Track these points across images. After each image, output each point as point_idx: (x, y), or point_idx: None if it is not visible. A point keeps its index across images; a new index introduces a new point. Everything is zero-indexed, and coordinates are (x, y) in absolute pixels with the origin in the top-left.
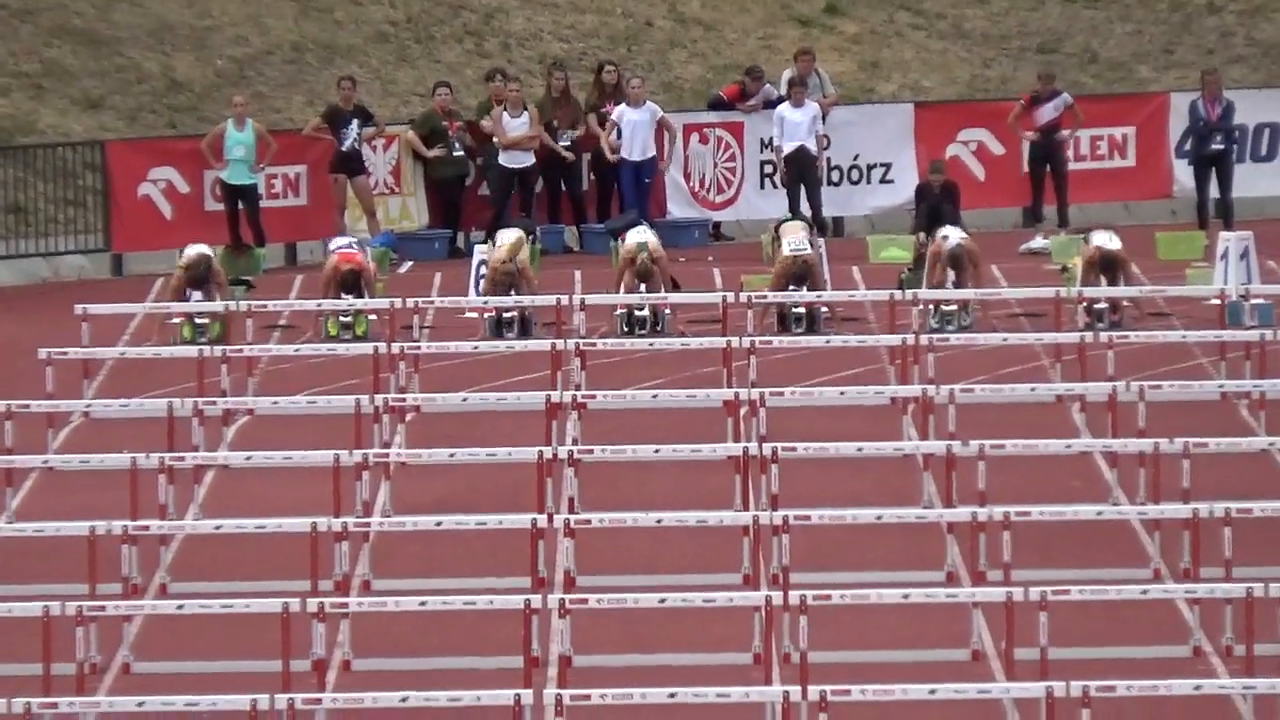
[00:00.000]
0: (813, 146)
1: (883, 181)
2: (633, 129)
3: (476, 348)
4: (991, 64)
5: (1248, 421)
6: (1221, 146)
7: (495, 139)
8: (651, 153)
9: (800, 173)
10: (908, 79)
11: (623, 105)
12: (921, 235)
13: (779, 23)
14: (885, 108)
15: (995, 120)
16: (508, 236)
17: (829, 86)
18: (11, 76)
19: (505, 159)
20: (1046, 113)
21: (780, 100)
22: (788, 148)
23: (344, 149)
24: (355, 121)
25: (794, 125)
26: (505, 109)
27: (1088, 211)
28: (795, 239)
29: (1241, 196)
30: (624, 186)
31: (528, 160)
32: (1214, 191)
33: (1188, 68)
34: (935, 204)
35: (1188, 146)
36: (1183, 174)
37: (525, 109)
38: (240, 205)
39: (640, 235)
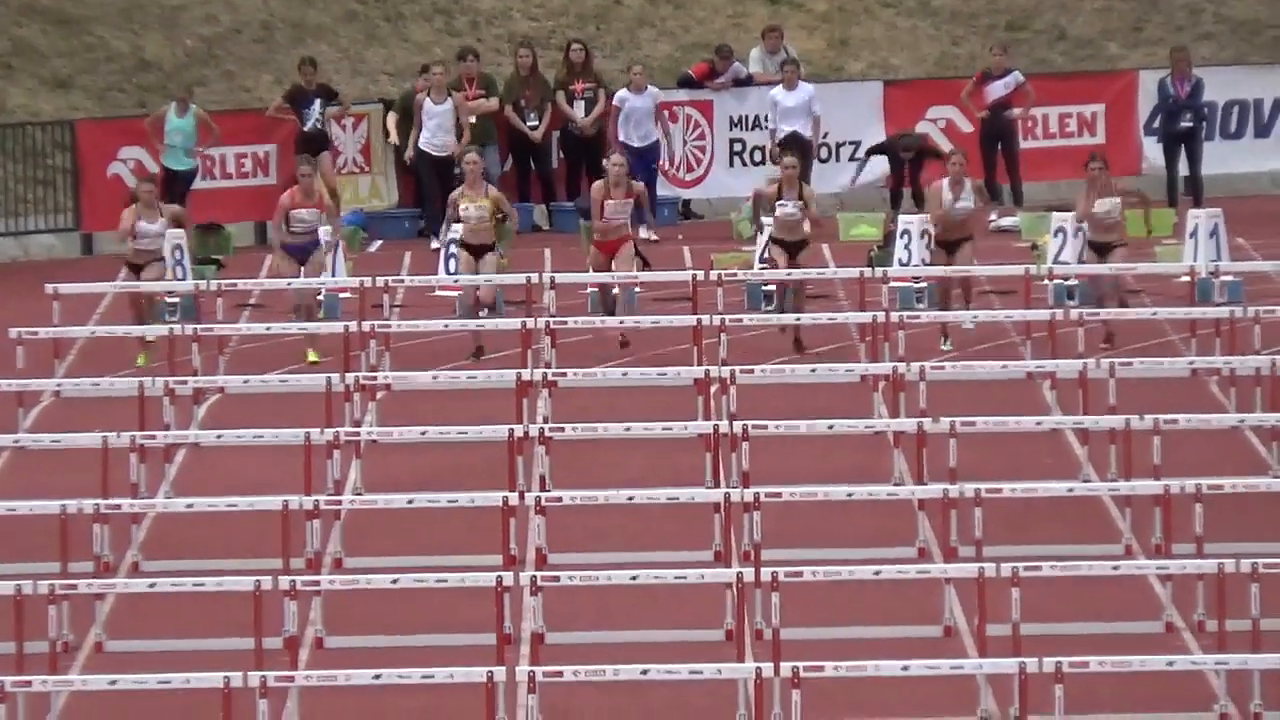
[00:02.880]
0: (807, 131)
1: (852, 159)
2: (635, 115)
3: (447, 326)
4: (960, 42)
5: (1218, 398)
6: (1191, 124)
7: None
8: (654, 138)
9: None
10: (876, 57)
11: (625, 91)
12: (890, 210)
13: (748, 0)
14: (854, 85)
15: (957, 95)
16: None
17: (798, 65)
18: None
19: (425, 143)
20: (996, 89)
21: (749, 79)
22: (782, 132)
23: (306, 129)
24: (318, 101)
25: (787, 110)
26: (430, 95)
27: (1058, 189)
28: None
29: (1211, 174)
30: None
31: (449, 146)
32: (1183, 169)
33: (1156, 45)
34: (909, 165)
35: (1157, 124)
36: (1151, 151)
37: (449, 95)
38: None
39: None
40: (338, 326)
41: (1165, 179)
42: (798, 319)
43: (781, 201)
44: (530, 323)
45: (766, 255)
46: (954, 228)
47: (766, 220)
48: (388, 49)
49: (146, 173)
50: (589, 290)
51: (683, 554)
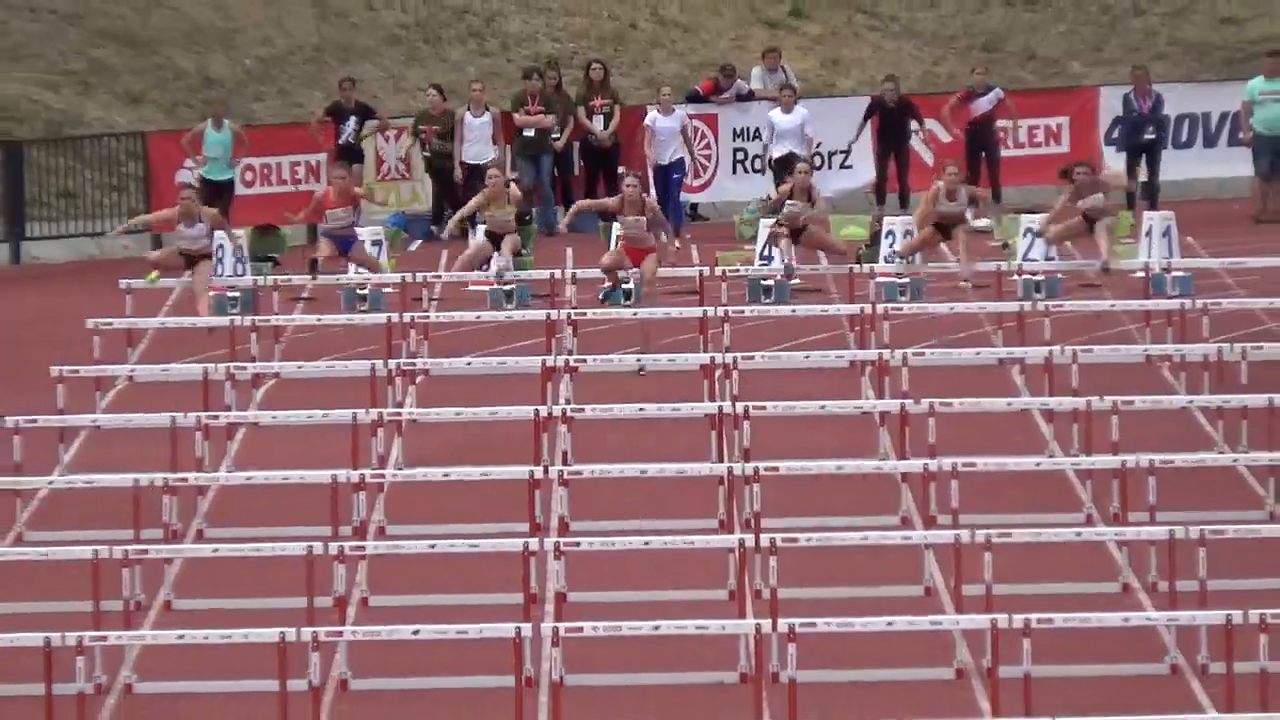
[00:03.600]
0: (801, 151)
1: (842, 167)
2: (663, 134)
3: (479, 317)
4: (940, 62)
5: (1169, 381)
6: (1153, 137)
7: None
8: (680, 155)
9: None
10: (865, 75)
11: (654, 112)
12: (877, 211)
13: (749, 25)
14: (844, 101)
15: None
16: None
17: (793, 81)
18: (62, 75)
19: (468, 155)
20: (981, 105)
21: (750, 95)
22: (777, 152)
23: (340, 142)
24: (354, 118)
25: (783, 131)
26: (469, 108)
27: (1027, 193)
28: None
29: (1166, 180)
30: (656, 186)
31: (486, 155)
32: (1143, 175)
33: (1116, 64)
34: (893, 119)
35: (1115, 134)
36: (1111, 159)
37: (486, 110)
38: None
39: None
40: (381, 318)
41: (1137, 184)
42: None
43: (791, 201)
44: (554, 314)
45: (767, 248)
46: (947, 218)
47: (766, 221)
48: (427, 69)
49: (200, 180)
50: (601, 288)
51: (690, 522)
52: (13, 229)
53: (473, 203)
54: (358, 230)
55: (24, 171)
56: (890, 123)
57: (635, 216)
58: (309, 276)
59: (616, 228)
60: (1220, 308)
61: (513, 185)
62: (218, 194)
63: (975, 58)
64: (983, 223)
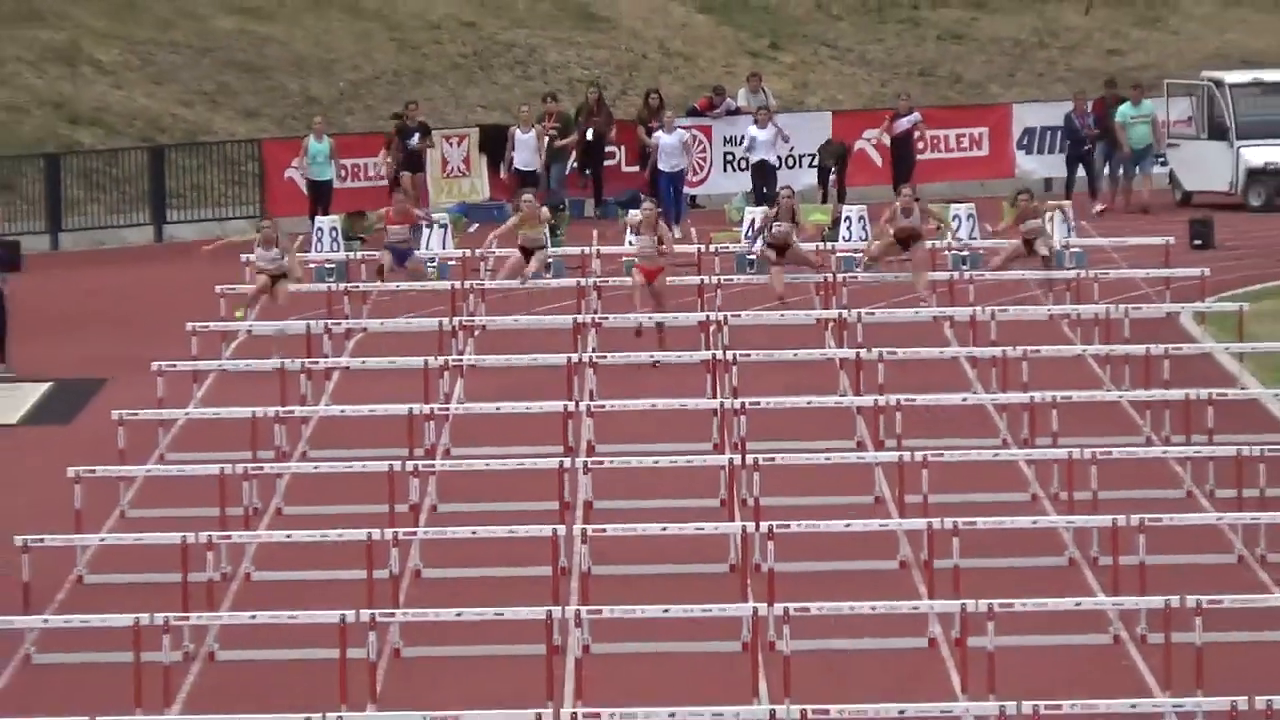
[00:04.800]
0: (773, 159)
1: (810, 166)
2: (667, 148)
3: (524, 283)
4: (887, 84)
5: (1068, 335)
6: (1090, 147)
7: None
8: (681, 166)
9: (764, 179)
10: (827, 94)
11: (660, 132)
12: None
13: (736, 55)
14: (811, 114)
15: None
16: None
17: (771, 100)
18: (196, 94)
19: (517, 161)
20: (902, 124)
21: (737, 110)
22: (754, 159)
23: (405, 152)
24: (416, 134)
25: (760, 144)
26: (518, 126)
27: (955, 186)
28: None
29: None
30: (660, 190)
31: (534, 164)
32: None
33: (1025, 86)
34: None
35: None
36: (1023, 161)
37: (533, 127)
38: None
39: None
40: (447, 284)
41: (1036, 179)
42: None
43: (777, 222)
44: (582, 282)
45: (759, 251)
46: (905, 230)
47: (756, 248)
48: (481, 89)
49: (306, 180)
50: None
51: (690, 445)
52: (156, 214)
53: (510, 223)
54: (422, 228)
55: (165, 170)
56: (828, 174)
57: (650, 236)
58: (377, 281)
59: (639, 242)
60: (1108, 276)
61: (544, 209)
62: (319, 190)
63: (915, 80)
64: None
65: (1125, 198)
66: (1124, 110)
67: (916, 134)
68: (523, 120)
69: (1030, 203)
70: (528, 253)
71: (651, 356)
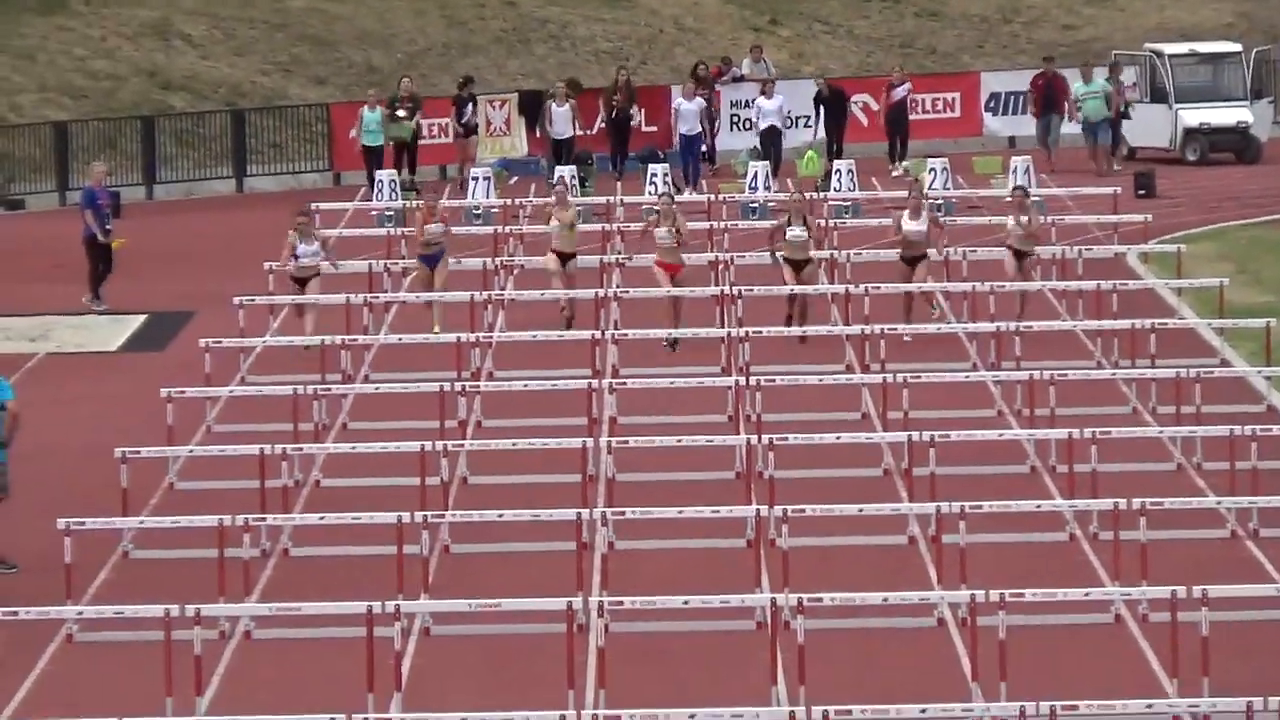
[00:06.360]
0: (780, 126)
1: (805, 126)
2: (687, 115)
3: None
4: (872, 55)
5: (1029, 272)
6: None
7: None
8: (698, 130)
9: (770, 144)
10: (821, 64)
11: (680, 98)
12: (822, 134)
13: (741, 30)
14: (806, 82)
15: (874, 89)
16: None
17: (772, 69)
18: (272, 64)
19: (553, 132)
20: (898, 93)
21: (742, 78)
22: (762, 125)
23: (462, 122)
24: (470, 105)
25: (767, 111)
26: (554, 100)
27: (931, 144)
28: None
29: (1023, 134)
30: (680, 151)
31: (568, 133)
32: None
33: (992, 57)
34: (831, 103)
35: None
36: (990, 121)
37: (568, 101)
38: (371, 154)
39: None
40: (488, 230)
41: (1001, 138)
42: (803, 331)
43: (791, 227)
44: (608, 226)
45: (779, 259)
46: (911, 246)
47: (773, 254)
48: (520, 60)
49: (361, 146)
50: (644, 208)
51: (707, 417)
52: (238, 169)
53: (545, 203)
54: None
55: (245, 130)
56: (830, 106)
57: (668, 228)
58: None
59: (658, 233)
60: (1064, 222)
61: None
62: (372, 154)
63: (897, 52)
64: (897, 171)
65: (1098, 163)
66: (1077, 88)
67: (910, 101)
68: (558, 94)
69: (1022, 198)
70: (564, 258)
71: (669, 336)
